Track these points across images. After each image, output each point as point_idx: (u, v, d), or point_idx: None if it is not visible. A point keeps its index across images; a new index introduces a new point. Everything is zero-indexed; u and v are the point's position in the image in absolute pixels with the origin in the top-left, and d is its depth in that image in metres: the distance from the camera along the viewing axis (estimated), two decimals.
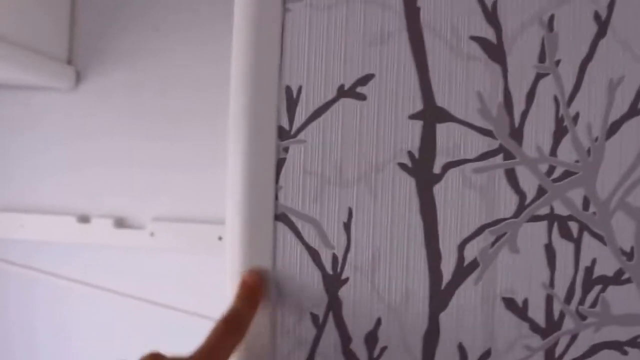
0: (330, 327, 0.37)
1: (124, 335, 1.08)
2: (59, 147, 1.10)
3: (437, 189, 0.37)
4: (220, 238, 0.99)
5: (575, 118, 0.37)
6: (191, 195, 1.04)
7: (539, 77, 0.37)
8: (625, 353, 0.38)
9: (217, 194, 1.01)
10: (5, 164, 1.12)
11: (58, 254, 1.10)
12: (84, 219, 1.08)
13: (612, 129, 0.37)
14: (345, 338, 0.37)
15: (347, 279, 0.37)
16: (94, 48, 1.05)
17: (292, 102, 0.36)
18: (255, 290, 0.36)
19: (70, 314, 1.11)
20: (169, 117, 1.05)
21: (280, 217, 0.37)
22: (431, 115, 0.36)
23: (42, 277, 1.10)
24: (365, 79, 0.36)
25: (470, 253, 0.37)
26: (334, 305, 0.37)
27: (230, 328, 0.34)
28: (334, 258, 0.37)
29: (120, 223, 1.06)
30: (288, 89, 0.36)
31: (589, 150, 0.37)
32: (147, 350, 0.32)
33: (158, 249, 1.04)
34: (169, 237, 1.02)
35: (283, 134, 0.36)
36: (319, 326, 0.37)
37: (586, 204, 0.37)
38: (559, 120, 0.37)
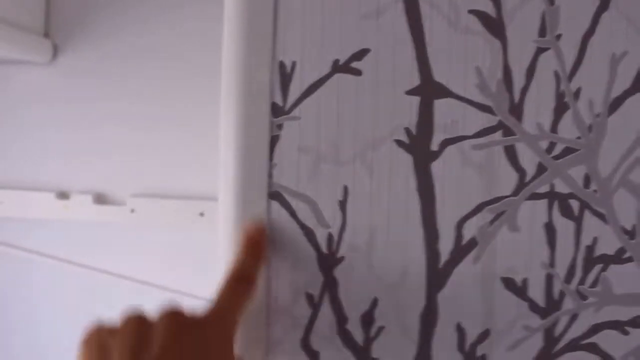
0: (326, 307, 0.37)
1: (104, 312, 1.08)
2: (37, 122, 1.09)
3: (435, 166, 0.36)
4: (201, 214, 0.98)
5: (577, 94, 0.36)
6: (172, 171, 1.03)
7: (540, 51, 0.36)
8: (626, 333, 0.37)
9: (199, 169, 1.01)
10: None
11: (37, 231, 1.10)
12: (63, 195, 1.08)
13: (615, 105, 0.36)
14: (341, 318, 0.37)
15: (342, 258, 0.36)
16: (71, 21, 1.03)
17: (286, 77, 0.35)
18: (259, 242, 0.35)
19: (50, 291, 1.11)
20: (150, 90, 1.03)
21: (274, 195, 0.36)
22: (429, 90, 0.35)
23: (23, 255, 1.09)
24: (360, 54, 0.35)
25: (468, 231, 0.36)
26: (330, 284, 0.36)
27: (240, 277, 0.34)
28: (330, 237, 0.36)
29: (100, 199, 1.06)
30: (282, 65, 0.35)
31: (590, 127, 0.36)
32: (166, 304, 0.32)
33: (139, 225, 1.04)
34: (150, 213, 1.01)
35: (277, 110, 0.36)
36: (315, 306, 0.37)
37: (587, 181, 0.36)
38: (559, 96, 0.36)
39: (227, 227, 0.36)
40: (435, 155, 0.36)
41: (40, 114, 1.09)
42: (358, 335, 0.37)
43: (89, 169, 1.07)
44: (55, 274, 1.10)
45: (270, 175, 0.36)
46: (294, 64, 0.35)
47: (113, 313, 0.34)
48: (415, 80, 0.36)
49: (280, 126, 0.36)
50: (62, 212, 1.06)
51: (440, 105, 0.36)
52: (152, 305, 0.34)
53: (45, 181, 1.09)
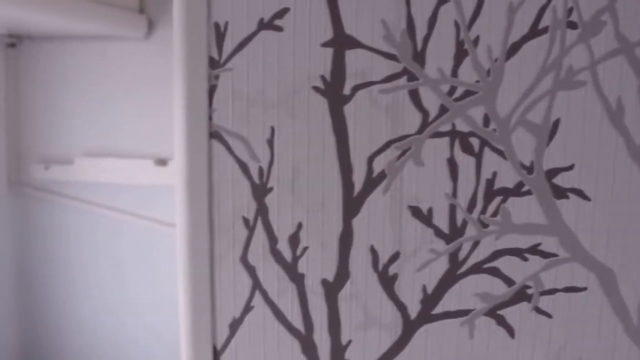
0: (259, 229, 0.44)
1: None
2: (135, 94, 1.15)
3: (348, 109, 0.41)
4: None
5: (476, 41, 0.40)
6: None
7: (440, 3, 0.40)
8: (525, 259, 0.41)
9: None
10: (86, 112, 1.20)
11: (137, 196, 1.19)
12: (161, 162, 1.16)
13: (512, 50, 0.40)
14: (272, 239, 0.44)
15: (272, 188, 0.43)
16: None
17: (220, 35, 0.42)
18: None
19: (154, 252, 1.21)
20: None
21: (214, 134, 0.43)
22: (341, 42, 0.41)
23: (126, 218, 1.19)
24: (281, 13, 0.41)
25: (378, 165, 0.42)
26: (262, 210, 0.43)
27: None
28: (260, 170, 0.43)
29: None
30: (216, 25, 0.42)
31: (488, 71, 0.40)
32: None
33: None
34: None
35: (214, 63, 0.42)
36: (250, 228, 0.44)
37: (487, 121, 0.40)
38: (459, 44, 0.40)
39: (178, 165, 0.44)
40: (348, 99, 0.41)
41: (138, 86, 1.16)
42: (287, 254, 0.44)
43: None
44: (147, 235, 1.19)
45: (210, 118, 0.43)
46: (226, 24, 0.42)
47: None
48: (329, 34, 0.41)
49: (217, 77, 0.42)
50: (161, 178, 1.15)
51: (351, 55, 0.41)
52: None
53: (144, 149, 1.17)
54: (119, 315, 1.27)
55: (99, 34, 1.10)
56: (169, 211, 1.14)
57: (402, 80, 0.41)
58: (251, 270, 0.44)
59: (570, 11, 0.39)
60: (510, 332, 0.42)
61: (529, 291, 0.42)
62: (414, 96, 0.41)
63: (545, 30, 0.39)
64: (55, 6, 0.90)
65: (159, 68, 1.11)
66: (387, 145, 0.41)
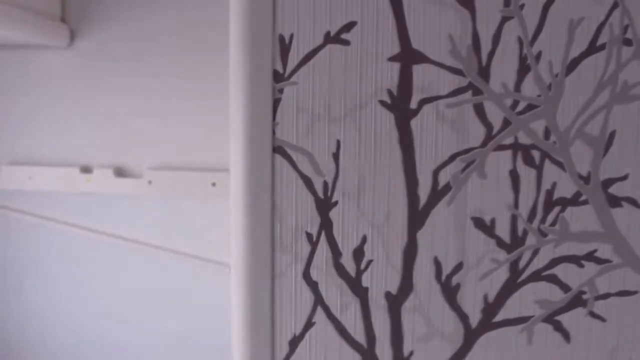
0: (323, 244, 0.43)
1: (127, 277, 1.16)
2: (60, 103, 1.16)
3: (414, 123, 0.42)
4: (213, 184, 1.06)
5: (538, 56, 0.41)
6: (186, 145, 1.10)
7: (504, 20, 0.41)
8: (581, 266, 0.43)
9: (211, 142, 1.08)
10: (11, 122, 1.18)
11: (63, 203, 1.18)
12: (86, 169, 1.16)
13: (572, 66, 0.41)
14: (336, 253, 0.43)
15: (336, 202, 0.43)
16: (87, 5, 1.09)
17: (285, 48, 0.41)
18: None
19: (75, 258, 1.19)
20: (164, 69, 1.09)
21: (278, 149, 0.42)
22: (408, 57, 0.41)
23: (51, 225, 1.17)
24: (348, 26, 0.41)
25: (443, 178, 0.42)
26: (326, 225, 0.43)
27: None
28: (325, 184, 0.43)
29: (120, 172, 1.13)
30: (281, 37, 0.41)
31: (549, 86, 0.41)
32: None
33: (155, 196, 1.11)
34: (166, 185, 1.09)
35: (278, 77, 0.42)
36: (313, 243, 0.43)
37: (547, 134, 0.42)
38: (522, 59, 0.41)
39: (237, 178, 0.43)
40: (414, 113, 0.42)
41: (61, 95, 1.16)
42: (351, 268, 0.43)
43: (109, 145, 1.14)
44: (79, 243, 1.19)
45: (273, 132, 0.42)
46: (291, 37, 0.41)
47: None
48: (396, 48, 0.41)
49: (281, 90, 0.42)
50: (86, 185, 1.14)
51: (418, 70, 0.41)
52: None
53: (69, 157, 1.17)
54: (50, 324, 1.24)
55: (20, 42, 1.08)
56: (96, 219, 1.14)
57: (468, 95, 0.41)
58: (313, 286, 0.44)
59: (626, 29, 0.41)
60: (566, 336, 0.44)
61: (585, 296, 0.44)
62: (479, 110, 0.42)
63: (602, 46, 0.41)
64: None
65: (82, 77, 1.13)
66: (452, 158, 0.42)
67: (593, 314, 0.44)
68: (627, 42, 0.41)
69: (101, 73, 1.12)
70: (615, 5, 0.41)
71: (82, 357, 1.23)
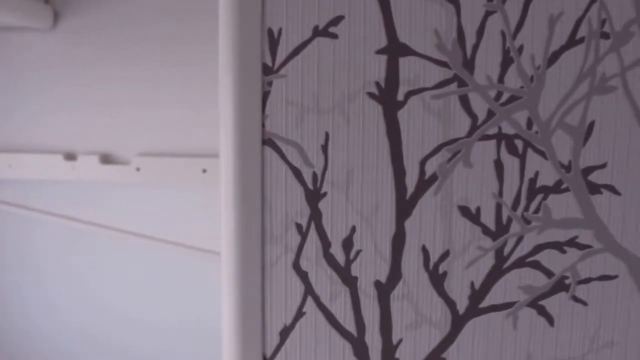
0: (312, 234, 0.44)
1: (114, 268, 1.12)
2: (42, 86, 1.10)
3: (401, 114, 0.43)
4: (204, 170, 1.02)
5: (520, 50, 0.42)
6: (175, 131, 1.05)
7: (488, 14, 0.42)
8: (564, 252, 0.45)
9: (200, 128, 1.04)
10: None
11: (47, 192, 1.13)
12: (70, 156, 1.10)
13: (552, 59, 0.43)
14: (325, 243, 0.44)
15: (325, 194, 0.43)
16: None
17: (273, 42, 0.42)
18: None
19: (59, 249, 1.15)
20: (151, 53, 1.05)
21: (267, 141, 0.43)
22: (394, 50, 0.42)
23: (33, 215, 1.13)
24: (336, 20, 0.42)
25: (430, 168, 0.43)
26: (315, 215, 0.44)
27: None
28: (314, 176, 0.43)
29: (106, 159, 1.09)
30: (270, 31, 0.42)
31: (532, 78, 0.43)
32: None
33: (144, 183, 1.07)
34: (155, 172, 1.04)
35: (267, 70, 0.42)
36: (303, 234, 0.44)
37: (530, 124, 0.43)
38: (505, 52, 0.42)
39: (228, 170, 0.43)
40: (401, 104, 0.43)
41: (44, 79, 1.10)
42: (340, 258, 0.44)
43: (94, 131, 1.09)
44: (63, 233, 1.14)
45: (263, 125, 0.43)
46: (280, 30, 0.42)
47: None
48: (383, 41, 0.42)
49: (270, 83, 0.42)
50: (70, 173, 1.09)
51: (405, 62, 0.42)
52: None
53: (52, 143, 1.11)
54: (33, 316, 1.20)
55: (2, 24, 1.04)
56: (81, 208, 1.10)
57: (453, 86, 0.43)
58: (303, 276, 0.44)
59: (603, 22, 0.42)
60: (550, 320, 0.45)
61: (567, 281, 0.45)
62: (464, 101, 0.43)
63: (581, 40, 0.42)
64: None
65: (66, 60, 1.07)
66: (439, 148, 0.43)
67: (575, 298, 0.45)
68: (605, 36, 0.42)
69: (86, 56, 1.07)
70: (593, 0, 0.42)
71: (66, 348, 1.20)
